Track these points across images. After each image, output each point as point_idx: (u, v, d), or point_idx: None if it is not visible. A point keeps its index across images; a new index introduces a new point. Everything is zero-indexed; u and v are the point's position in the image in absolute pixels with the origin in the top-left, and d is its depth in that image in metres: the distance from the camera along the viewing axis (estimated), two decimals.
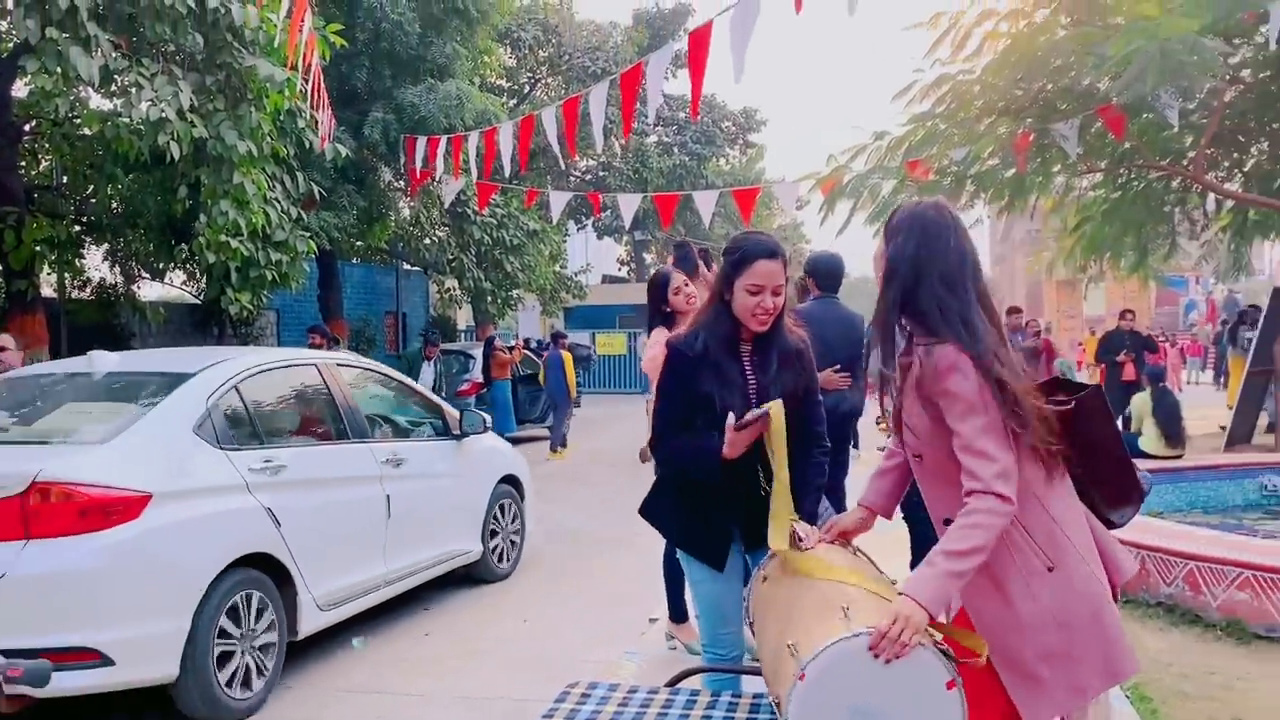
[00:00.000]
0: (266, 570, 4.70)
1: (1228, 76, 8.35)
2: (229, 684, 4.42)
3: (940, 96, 9.03)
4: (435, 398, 6.52)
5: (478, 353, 15.34)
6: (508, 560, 6.87)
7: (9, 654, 3.78)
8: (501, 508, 6.78)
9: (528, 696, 4.55)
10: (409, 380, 6.40)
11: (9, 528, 3.94)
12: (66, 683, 3.90)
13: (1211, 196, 10.68)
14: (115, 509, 4.08)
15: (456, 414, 6.44)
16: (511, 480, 6.94)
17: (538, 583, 6.78)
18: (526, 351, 16.60)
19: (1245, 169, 10.63)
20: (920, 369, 2.20)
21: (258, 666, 4.60)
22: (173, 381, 4.75)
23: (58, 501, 3.98)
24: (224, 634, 4.42)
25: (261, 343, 16.63)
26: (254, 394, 5.03)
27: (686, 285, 4.43)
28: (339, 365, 5.86)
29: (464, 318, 25.19)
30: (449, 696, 4.71)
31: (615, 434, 15.82)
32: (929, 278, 2.20)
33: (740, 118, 28.92)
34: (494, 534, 6.73)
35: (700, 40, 4.56)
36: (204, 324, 15.90)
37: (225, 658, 4.42)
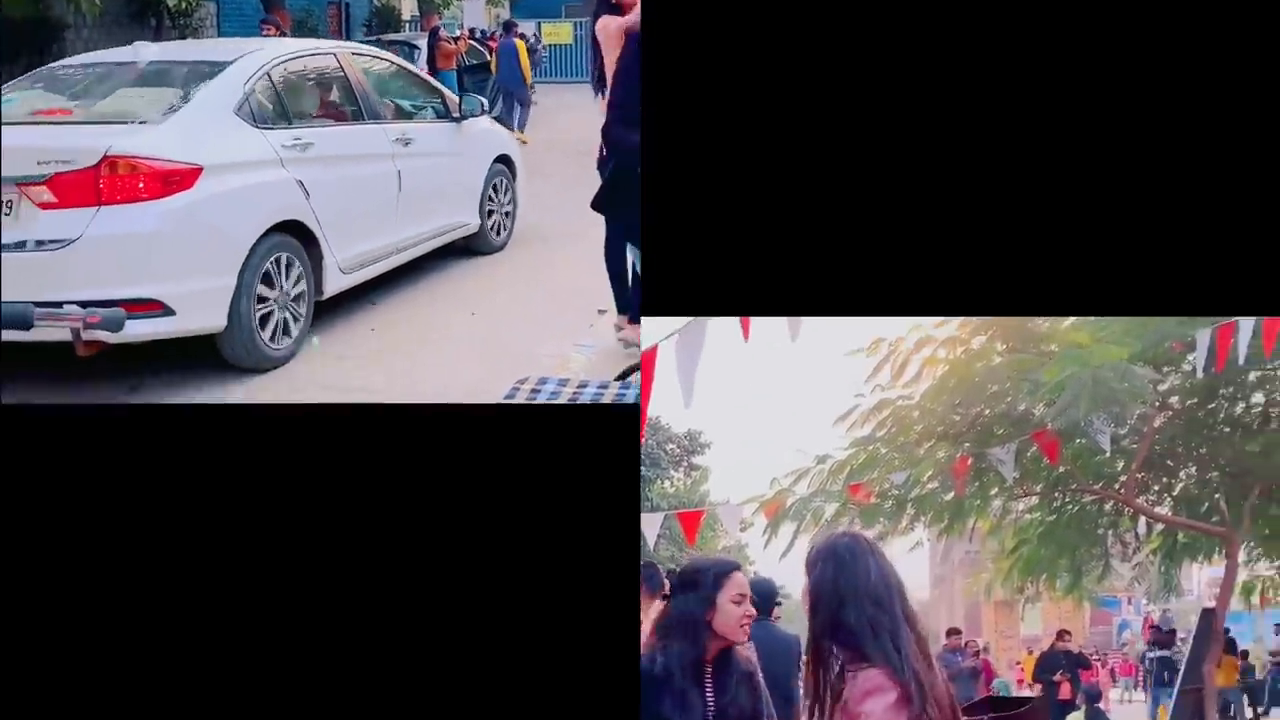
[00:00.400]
0: (298, 236, 5.30)
1: (1157, 403, 8.50)
2: (265, 334, 5.11)
3: (881, 421, 8.97)
4: (436, 82, 6.85)
5: (423, 43, 14.87)
6: (502, 234, 7.53)
7: (86, 304, 4.52)
8: (496, 185, 7.29)
9: (476, 390, 4.65)
10: (412, 66, 6.70)
11: (84, 196, 4.50)
12: (135, 329, 4.58)
13: (1143, 520, 10.79)
14: (173, 179, 4.64)
15: (456, 98, 6.79)
16: (505, 160, 7.39)
17: (487, 276, 6.85)
18: (472, 41, 16.21)
19: (1174, 493, 10.61)
20: (846, 693, 2.27)
21: (288, 323, 5.26)
22: (212, 69, 5.19)
23: (125, 173, 4.53)
24: (265, 284, 5.04)
25: (201, 35, 15.92)
26: (283, 79, 5.46)
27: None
28: (353, 54, 6.23)
29: (409, 7, 23.95)
30: (395, 390, 4.81)
31: (565, 124, 15.67)
32: (855, 599, 2.26)
33: (685, 440, 26.88)
34: (490, 209, 7.29)
35: (645, 364, 4.42)
36: (141, 15, 14.99)
37: (265, 311, 5.07)
